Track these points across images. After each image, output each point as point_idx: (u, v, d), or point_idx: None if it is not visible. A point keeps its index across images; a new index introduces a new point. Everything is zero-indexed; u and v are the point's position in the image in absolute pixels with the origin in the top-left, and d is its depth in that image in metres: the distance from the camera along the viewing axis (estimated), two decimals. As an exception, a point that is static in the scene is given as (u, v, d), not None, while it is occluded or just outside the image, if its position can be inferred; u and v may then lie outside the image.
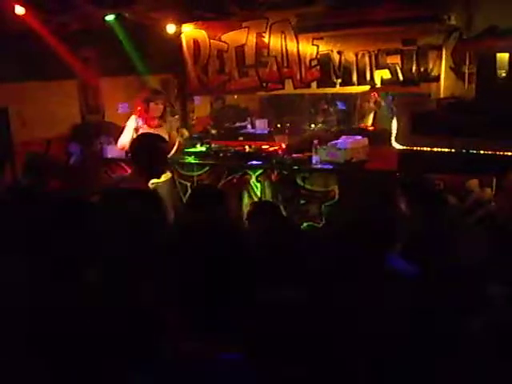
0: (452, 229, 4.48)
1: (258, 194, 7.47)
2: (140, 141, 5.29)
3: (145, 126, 7.16)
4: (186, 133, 7.97)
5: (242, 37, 9.11)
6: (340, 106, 10.29)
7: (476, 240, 4.25)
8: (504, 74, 6.95)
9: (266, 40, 8.93)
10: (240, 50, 9.19)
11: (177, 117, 8.30)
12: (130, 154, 5.40)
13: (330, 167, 7.14)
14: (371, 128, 8.79)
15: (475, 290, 3.26)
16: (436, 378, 3.07)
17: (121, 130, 7.45)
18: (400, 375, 3.13)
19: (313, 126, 10.20)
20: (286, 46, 8.81)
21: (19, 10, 7.15)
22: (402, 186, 5.14)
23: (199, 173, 7.86)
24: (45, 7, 7.51)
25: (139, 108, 7.23)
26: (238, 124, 9.90)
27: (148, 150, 4.89)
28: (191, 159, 8.13)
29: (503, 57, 6.95)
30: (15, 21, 7.30)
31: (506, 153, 6.19)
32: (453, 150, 6.44)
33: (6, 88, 7.65)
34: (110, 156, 8.36)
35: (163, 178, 6.68)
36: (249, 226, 4.44)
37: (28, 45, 7.50)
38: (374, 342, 3.15)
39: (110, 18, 8.41)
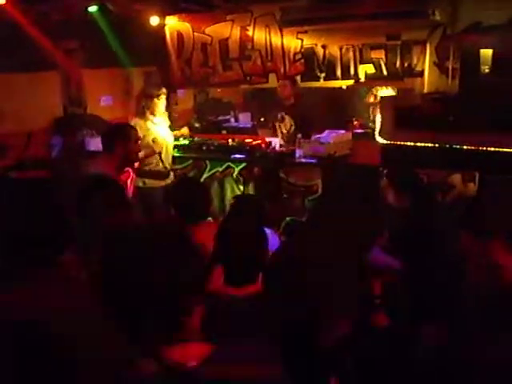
0: (437, 223, 4.49)
1: (241, 187, 7.44)
2: (113, 129, 5.30)
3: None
4: (186, 132, 7.81)
5: (226, 30, 9.08)
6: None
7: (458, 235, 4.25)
8: (487, 70, 6.98)
9: (250, 33, 8.91)
10: (224, 43, 9.16)
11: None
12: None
13: (314, 161, 7.12)
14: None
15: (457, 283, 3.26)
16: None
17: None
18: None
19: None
20: (270, 39, 8.79)
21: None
22: (389, 175, 5.15)
23: (182, 166, 7.82)
24: (25, -3, 7.43)
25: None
26: (221, 117, 9.85)
27: (120, 139, 4.97)
28: (174, 152, 8.06)
29: (487, 53, 6.98)
30: (-5, 10, 7.22)
31: (488, 148, 6.21)
32: (436, 145, 6.45)
33: (-15, 80, 7.56)
34: (92, 149, 8.27)
35: (164, 182, 6.68)
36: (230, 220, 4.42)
37: (8, 35, 7.38)
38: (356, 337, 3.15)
39: (92, 9, 8.33)
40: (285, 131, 8.09)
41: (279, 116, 8.19)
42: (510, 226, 2.98)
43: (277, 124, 8.19)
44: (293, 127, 8.00)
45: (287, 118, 8.07)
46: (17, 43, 7.54)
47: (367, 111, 9.14)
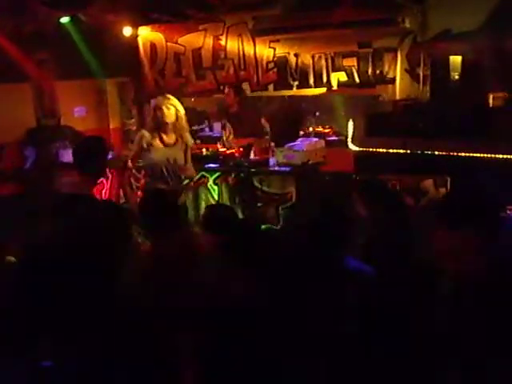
0: (408, 229, 4.51)
1: (216, 196, 7.43)
2: (84, 146, 5.02)
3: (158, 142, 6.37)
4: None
5: (199, 40, 9.11)
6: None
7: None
8: (457, 77, 7.07)
9: (222, 43, 8.94)
10: (197, 52, 9.19)
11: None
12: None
13: (287, 169, 7.15)
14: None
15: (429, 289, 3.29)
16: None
17: None
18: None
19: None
20: (242, 48, 8.83)
21: (-29, 11, 7.03)
22: (359, 188, 5.17)
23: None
24: (-2, 8, 7.39)
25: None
26: (195, 127, 9.84)
27: (93, 155, 4.68)
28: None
29: (456, 59, 7.08)
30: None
31: (459, 153, 6.28)
32: (408, 151, 6.51)
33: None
34: (65, 160, 8.23)
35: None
36: (204, 230, 4.42)
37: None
38: (326, 341, 3.16)
39: (64, 20, 8.32)
40: (225, 138, 8.08)
41: (222, 123, 8.22)
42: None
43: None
44: (231, 135, 8.01)
45: (227, 126, 8.07)
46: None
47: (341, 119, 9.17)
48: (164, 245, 3.79)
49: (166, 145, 6.33)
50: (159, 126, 6.32)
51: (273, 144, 7.38)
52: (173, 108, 6.31)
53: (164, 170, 6.29)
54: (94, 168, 4.68)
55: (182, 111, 6.37)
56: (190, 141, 6.56)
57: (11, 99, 8.40)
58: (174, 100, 6.40)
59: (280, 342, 2.97)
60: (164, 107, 6.30)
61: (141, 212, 4.23)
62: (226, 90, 8.44)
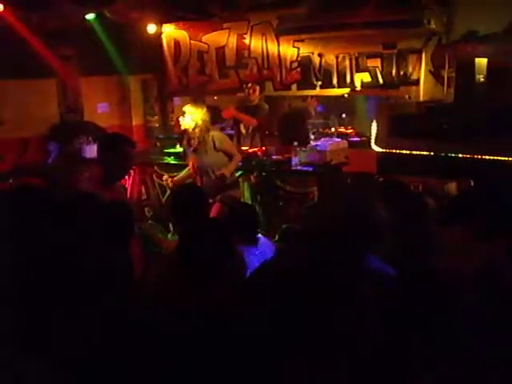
0: (430, 231, 4.49)
1: (237, 195, 7.45)
2: (105, 141, 5.11)
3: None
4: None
5: (223, 38, 9.12)
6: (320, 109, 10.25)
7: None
8: (482, 79, 7.01)
9: (246, 41, 8.95)
10: (220, 51, 9.20)
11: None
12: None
13: (310, 169, 7.14)
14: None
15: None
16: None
17: None
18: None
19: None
20: (266, 47, 8.83)
21: (-3, 7, 7.10)
22: (381, 189, 5.15)
23: (179, 173, 7.81)
24: (24, 5, 7.44)
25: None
26: (217, 125, 9.86)
27: (112, 151, 4.71)
28: (170, 160, 8.09)
29: (482, 62, 7.01)
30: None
31: (483, 156, 6.24)
32: (431, 153, 6.47)
33: (-17, 86, 7.58)
34: (88, 156, 8.28)
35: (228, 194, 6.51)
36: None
37: (6, 43, 7.41)
38: (349, 343, 3.15)
39: (90, 16, 8.37)
40: (244, 131, 8.07)
41: None
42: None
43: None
44: (251, 128, 8.02)
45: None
46: (14, 50, 7.57)
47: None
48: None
49: (193, 149, 6.58)
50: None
51: (296, 143, 7.37)
52: (190, 116, 6.48)
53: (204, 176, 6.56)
54: (101, 163, 4.71)
55: (199, 116, 6.46)
56: (219, 142, 6.53)
57: (36, 95, 8.49)
58: (190, 107, 6.56)
59: (304, 342, 2.96)
60: (181, 117, 6.57)
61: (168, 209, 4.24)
62: (250, 85, 8.42)
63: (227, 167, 6.55)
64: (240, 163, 7.47)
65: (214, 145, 6.46)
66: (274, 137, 8.53)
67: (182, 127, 6.57)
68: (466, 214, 2.56)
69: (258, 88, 8.27)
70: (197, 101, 7.61)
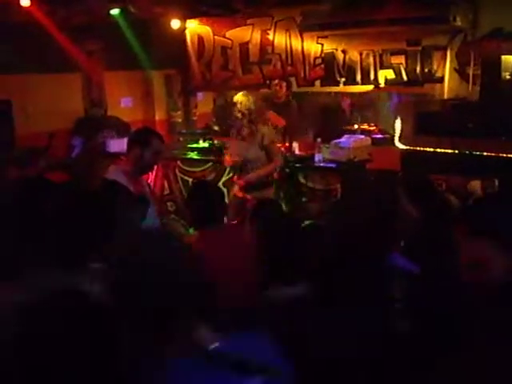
0: (451, 229, 4.47)
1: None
2: (136, 134, 4.96)
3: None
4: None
5: (247, 34, 9.15)
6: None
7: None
8: (508, 77, 6.97)
9: (270, 37, 8.96)
10: (244, 46, 9.22)
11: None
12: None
13: (333, 166, 7.13)
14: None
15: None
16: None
17: None
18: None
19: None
20: (290, 43, 8.84)
21: (24, 1, 7.16)
22: (404, 186, 5.13)
23: (201, 169, 7.84)
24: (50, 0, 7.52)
25: None
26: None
27: (142, 145, 4.61)
28: (194, 155, 8.11)
29: (508, 59, 6.97)
30: (20, 12, 7.30)
31: (508, 155, 6.20)
32: (456, 151, 6.45)
33: (10, 80, 7.63)
34: (112, 150, 8.33)
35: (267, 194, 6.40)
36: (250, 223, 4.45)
37: (32, 37, 7.48)
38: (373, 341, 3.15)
39: (114, 11, 8.43)
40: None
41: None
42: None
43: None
44: (279, 126, 8.00)
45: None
46: (40, 45, 7.64)
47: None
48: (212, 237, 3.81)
49: (242, 138, 6.48)
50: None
51: (319, 140, 7.36)
52: (239, 104, 6.40)
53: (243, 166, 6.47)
54: (129, 156, 4.64)
55: (247, 105, 6.35)
56: (268, 140, 6.37)
57: (61, 89, 8.56)
58: (240, 96, 6.47)
59: (328, 340, 2.97)
60: (238, 104, 6.44)
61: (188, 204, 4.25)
62: (276, 81, 8.40)
63: (257, 172, 6.36)
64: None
65: (262, 141, 6.31)
66: (304, 133, 8.45)
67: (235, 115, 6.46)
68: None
69: (284, 84, 8.25)
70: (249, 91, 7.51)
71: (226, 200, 5.45)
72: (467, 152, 6.39)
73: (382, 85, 8.28)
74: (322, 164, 7.21)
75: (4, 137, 7.55)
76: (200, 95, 10.33)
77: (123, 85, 9.66)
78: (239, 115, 6.36)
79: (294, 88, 8.88)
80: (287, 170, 7.32)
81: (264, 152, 6.31)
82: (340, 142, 7.24)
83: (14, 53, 7.33)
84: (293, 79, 8.92)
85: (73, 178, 7.42)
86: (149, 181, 8.24)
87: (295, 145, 7.67)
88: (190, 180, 7.89)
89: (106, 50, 9.02)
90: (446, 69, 7.72)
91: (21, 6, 7.18)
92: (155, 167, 7.96)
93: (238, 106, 6.36)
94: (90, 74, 9.08)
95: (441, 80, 7.78)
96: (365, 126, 8.75)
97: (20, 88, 7.89)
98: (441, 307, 3.59)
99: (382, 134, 8.44)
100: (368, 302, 3.14)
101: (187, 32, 9.62)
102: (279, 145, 7.72)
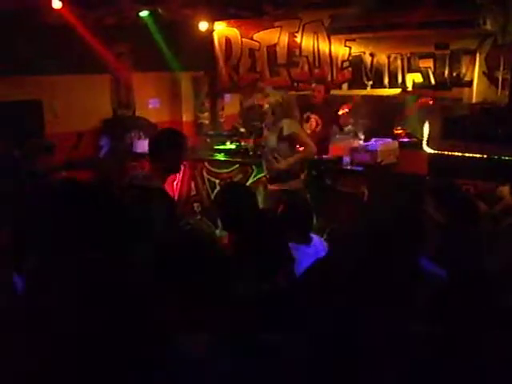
0: (481, 235, 4.46)
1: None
2: (159, 136, 4.95)
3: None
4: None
5: (274, 36, 9.15)
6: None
7: (505, 247, 4.25)
8: (538, 81, 6.92)
9: (298, 40, 8.96)
10: (272, 49, 9.23)
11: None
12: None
13: (360, 169, 7.13)
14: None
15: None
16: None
17: None
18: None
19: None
20: (318, 46, 8.82)
21: (56, 3, 7.24)
22: (432, 191, 5.12)
23: (228, 170, 7.88)
24: (81, 1, 7.59)
25: None
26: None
27: (167, 147, 4.61)
28: (220, 156, 8.17)
29: (538, 64, 6.92)
30: (51, 14, 7.39)
31: (538, 160, 6.16)
32: (484, 156, 6.40)
33: (40, 80, 7.75)
34: (139, 151, 8.41)
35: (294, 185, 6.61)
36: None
37: (63, 38, 7.56)
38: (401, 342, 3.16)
39: (144, 13, 8.51)
40: (309, 131, 8.05)
41: (305, 116, 8.18)
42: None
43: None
44: (319, 126, 7.99)
45: (313, 118, 8.06)
46: (70, 46, 7.73)
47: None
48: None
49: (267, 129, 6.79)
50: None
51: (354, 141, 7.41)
52: (269, 98, 6.66)
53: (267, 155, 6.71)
54: (165, 160, 4.61)
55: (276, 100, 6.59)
56: (287, 128, 6.54)
57: (90, 89, 8.66)
58: (271, 90, 6.87)
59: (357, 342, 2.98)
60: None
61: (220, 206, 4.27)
62: (314, 85, 8.41)
63: (287, 160, 6.56)
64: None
65: (281, 131, 6.49)
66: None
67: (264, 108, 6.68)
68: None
69: (322, 88, 8.25)
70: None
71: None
72: (496, 157, 6.34)
73: (410, 88, 8.24)
74: (349, 167, 7.22)
75: (35, 136, 7.65)
76: (227, 97, 10.38)
77: (151, 86, 9.75)
78: (268, 109, 6.59)
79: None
80: (314, 172, 7.33)
81: (286, 143, 6.51)
82: (367, 145, 7.24)
83: (45, 54, 7.41)
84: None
85: (100, 177, 7.50)
86: (176, 181, 8.34)
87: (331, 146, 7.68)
88: (217, 181, 7.95)
89: (134, 52, 9.12)
90: (475, 73, 7.65)
91: (52, 8, 7.27)
92: (182, 168, 8.07)
93: (269, 99, 6.59)
94: (118, 75, 9.17)
95: (469, 84, 7.71)
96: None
97: (50, 88, 8.01)
98: (470, 312, 3.59)
99: (408, 138, 8.42)
100: (395, 305, 3.15)
101: (215, 34, 9.66)
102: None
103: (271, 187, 6.65)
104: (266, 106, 6.59)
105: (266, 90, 6.87)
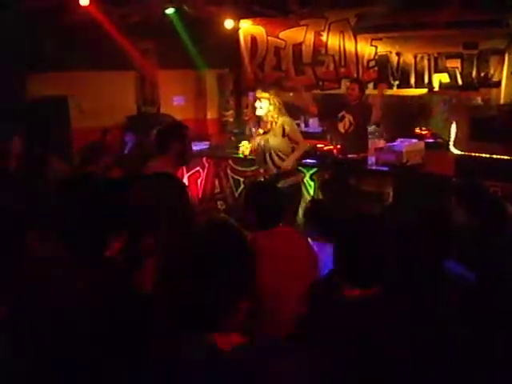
0: (509, 238, 4.41)
1: (312, 192, 7.43)
2: (164, 130, 4.92)
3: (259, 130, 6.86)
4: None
5: (300, 35, 9.14)
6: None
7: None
8: None
9: (323, 39, 8.94)
10: (297, 47, 9.22)
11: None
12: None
13: (385, 169, 7.08)
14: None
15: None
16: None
17: None
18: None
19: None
20: (344, 45, 8.80)
21: (83, 1, 7.30)
22: (459, 192, 5.07)
23: (253, 168, 7.86)
24: (108, -1, 7.65)
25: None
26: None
27: (174, 139, 4.62)
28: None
29: None
30: (78, 11, 7.44)
31: None
32: (512, 158, 6.34)
33: (66, 77, 7.81)
34: (164, 147, 8.41)
35: (290, 181, 6.64)
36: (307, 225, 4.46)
37: (89, 35, 7.60)
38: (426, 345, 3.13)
39: (169, 11, 8.53)
40: (343, 130, 7.99)
41: (339, 116, 8.12)
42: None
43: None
44: (352, 126, 7.94)
45: (347, 117, 8.01)
46: (96, 43, 7.76)
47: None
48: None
49: (264, 132, 6.68)
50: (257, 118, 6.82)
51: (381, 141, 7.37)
52: (263, 102, 6.59)
53: (267, 156, 6.65)
54: (171, 152, 4.61)
55: (271, 103, 6.55)
56: (288, 127, 6.58)
57: (115, 86, 8.71)
58: (264, 94, 6.64)
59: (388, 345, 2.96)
60: (255, 103, 6.73)
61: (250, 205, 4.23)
62: (348, 84, 8.33)
63: (290, 158, 6.62)
64: (315, 160, 7.47)
65: (284, 130, 6.54)
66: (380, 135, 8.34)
67: (257, 112, 6.68)
68: None
69: (357, 87, 8.15)
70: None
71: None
72: (524, 158, 6.28)
73: (436, 88, 8.18)
74: (374, 167, 7.18)
75: (62, 130, 7.72)
76: (252, 95, 10.36)
77: (176, 83, 9.77)
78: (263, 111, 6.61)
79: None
80: (338, 172, 7.30)
81: (287, 139, 6.57)
82: (393, 146, 7.20)
83: (71, 50, 7.46)
84: (346, 81, 8.83)
85: (124, 173, 7.53)
86: (200, 179, 8.35)
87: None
88: (242, 180, 7.93)
89: (160, 49, 9.14)
90: (504, 73, 7.56)
91: (79, 5, 7.32)
92: (206, 165, 8.09)
93: (263, 102, 6.59)
94: (143, 72, 9.21)
95: (497, 85, 7.63)
96: (417, 130, 8.65)
97: (76, 84, 8.06)
98: (499, 315, 3.56)
99: (433, 139, 8.34)
100: (423, 306, 3.13)
101: (241, 32, 9.67)
102: (331, 146, 7.71)
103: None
104: (260, 108, 6.61)
105: (256, 92, 6.80)
